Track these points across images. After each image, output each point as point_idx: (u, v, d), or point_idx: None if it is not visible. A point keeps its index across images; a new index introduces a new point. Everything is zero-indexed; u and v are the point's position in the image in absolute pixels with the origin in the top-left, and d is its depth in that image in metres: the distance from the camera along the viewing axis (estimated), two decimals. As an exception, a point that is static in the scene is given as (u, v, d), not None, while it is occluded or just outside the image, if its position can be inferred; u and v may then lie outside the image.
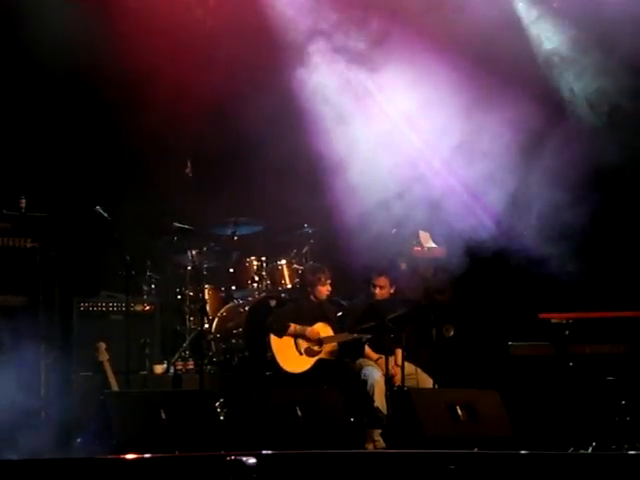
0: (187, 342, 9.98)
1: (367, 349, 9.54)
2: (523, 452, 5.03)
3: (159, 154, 10.31)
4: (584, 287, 9.85)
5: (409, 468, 4.95)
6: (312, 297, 9.52)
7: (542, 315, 9.25)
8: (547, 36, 10.08)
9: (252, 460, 4.45)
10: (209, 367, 9.88)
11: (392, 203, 10.06)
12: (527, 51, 10.10)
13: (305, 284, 9.59)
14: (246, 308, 10.11)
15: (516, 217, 10.26)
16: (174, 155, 10.26)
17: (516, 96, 9.79)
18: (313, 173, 10.45)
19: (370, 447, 8.92)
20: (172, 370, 9.76)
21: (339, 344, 9.43)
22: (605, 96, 9.84)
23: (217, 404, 9.04)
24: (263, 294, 10.22)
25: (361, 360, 9.48)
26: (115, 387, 8.64)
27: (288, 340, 9.33)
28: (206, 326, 10.03)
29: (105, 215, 9.19)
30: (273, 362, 9.27)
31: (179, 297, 10.25)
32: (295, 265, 10.39)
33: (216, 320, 10.21)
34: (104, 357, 8.78)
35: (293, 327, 9.33)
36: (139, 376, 9.41)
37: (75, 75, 9.94)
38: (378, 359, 9.37)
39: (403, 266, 10.50)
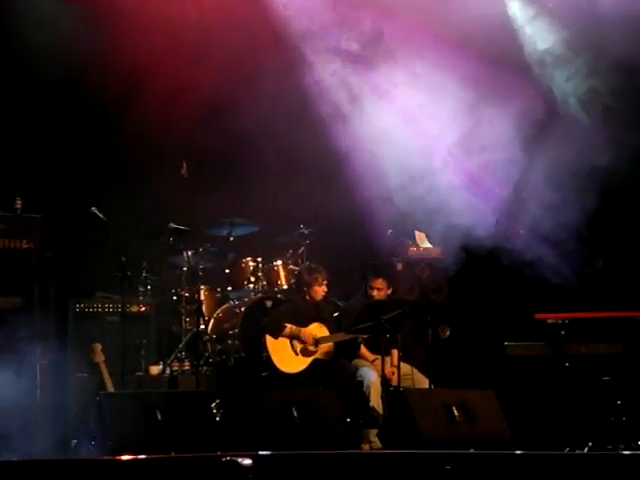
0: (183, 343, 9.97)
1: (363, 350, 9.54)
2: (519, 452, 5.03)
3: (154, 155, 10.31)
4: (579, 287, 9.86)
5: (405, 469, 4.95)
6: (308, 297, 9.52)
7: (538, 315, 9.26)
8: (542, 35, 10.09)
9: (248, 461, 4.45)
10: (205, 368, 9.88)
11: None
12: (521, 49, 10.12)
13: (301, 284, 9.59)
14: (242, 309, 10.11)
15: (514, 216, 10.27)
16: (169, 156, 10.25)
17: (515, 92, 9.82)
18: (310, 172, 10.46)
19: (366, 447, 8.91)
20: (168, 371, 9.75)
21: (335, 344, 9.43)
22: (597, 96, 9.85)
23: (213, 405, 9.03)
24: (259, 295, 10.22)
25: (357, 361, 9.47)
26: (111, 388, 8.63)
27: (284, 340, 9.32)
28: (202, 327, 10.02)
29: (100, 216, 9.19)
30: (269, 363, 9.27)
31: (175, 298, 10.25)
32: (291, 266, 10.39)
33: (212, 321, 10.20)
34: (100, 358, 8.77)
35: (288, 328, 9.32)
36: (135, 377, 9.40)
37: (70, 76, 9.94)
38: (374, 360, 9.36)
39: (399, 267, 10.51)
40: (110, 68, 10.00)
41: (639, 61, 9.66)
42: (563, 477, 5.16)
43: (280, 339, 9.32)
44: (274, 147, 10.43)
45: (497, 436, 8.39)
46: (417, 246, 10.75)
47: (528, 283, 10.27)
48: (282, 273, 10.36)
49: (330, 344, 9.42)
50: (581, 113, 9.99)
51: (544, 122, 10.05)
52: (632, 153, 9.87)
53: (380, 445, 8.85)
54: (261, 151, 10.49)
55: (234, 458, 4.39)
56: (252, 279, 10.35)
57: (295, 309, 9.50)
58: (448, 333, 10.58)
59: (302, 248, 10.48)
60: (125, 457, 5.00)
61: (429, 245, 10.80)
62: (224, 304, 10.33)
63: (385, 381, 8.92)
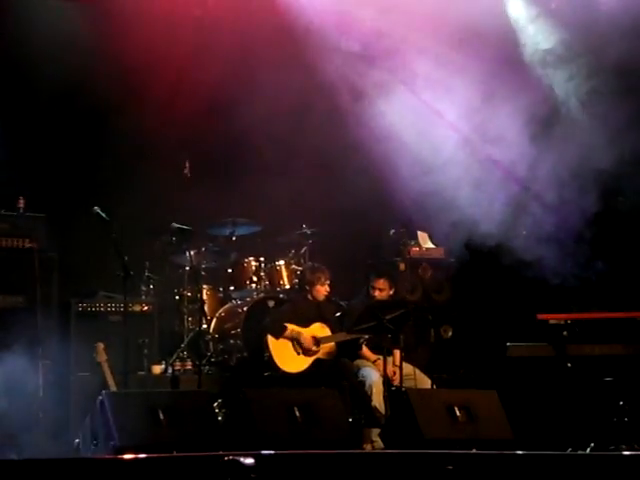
0: (185, 342, 9.97)
1: (365, 350, 9.54)
2: (521, 452, 5.03)
3: (157, 154, 10.31)
4: (582, 287, 9.86)
5: (407, 469, 4.95)
6: (310, 297, 9.52)
7: (540, 316, 9.25)
8: (544, 35, 10.09)
9: (250, 460, 4.44)
10: (207, 367, 9.87)
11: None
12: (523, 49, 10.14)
13: (304, 284, 9.59)
14: (244, 309, 10.10)
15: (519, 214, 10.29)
16: (172, 155, 10.25)
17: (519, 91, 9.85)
18: (313, 172, 10.46)
19: (368, 447, 8.91)
20: (170, 370, 9.75)
21: (337, 344, 9.43)
22: (598, 96, 9.85)
23: (215, 404, 9.04)
24: (261, 295, 10.21)
25: (359, 361, 9.47)
26: (113, 387, 8.63)
27: (286, 340, 9.32)
28: (204, 326, 10.02)
29: (103, 215, 9.18)
30: (271, 362, 9.27)
31: (177, 297, 10.25)
32: (293, 266, 10.38)
33: (214, 320, 10.20)
34: (102, 357, 8.77)
35: (290, 330, 9.31)
36: (137, 376, 9.40)
37: (72, 75, 9.93)
38: (376, 360, 9.36)
39: (402, 267, 10.51)
40: (112, 67, 10.00)
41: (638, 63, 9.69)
42: (565, 477, 5.15)
43: (282, 339, 9.31)
44: (277, 146, 10.43)
45: (499, 437, 8.38)
46: (420, 246, 10.75)
47: (531, 283, 10.27)
48: (284, 273, 10.36)
49: (332, 344, 9.42)
50: (582, 113, 9.98)
51: (547, 121, 10.06)
52: (632, 154, 9.88)
53: (382, 445, 8.84)
54: (264, 150, 10.49)
55: (236, 457, 4.38)
56: (254, 279, 10.35)
57: (297, 309, 9.50)
58: (450, 333, 10.59)
59: (304, 248, 10.47)
60: (127, 456, 5.00)
61: (432, 245, 10.80)
62: (226, 304, 10.33)
63: (387, 381, 8.92)
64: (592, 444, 8.75)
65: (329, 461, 4.81)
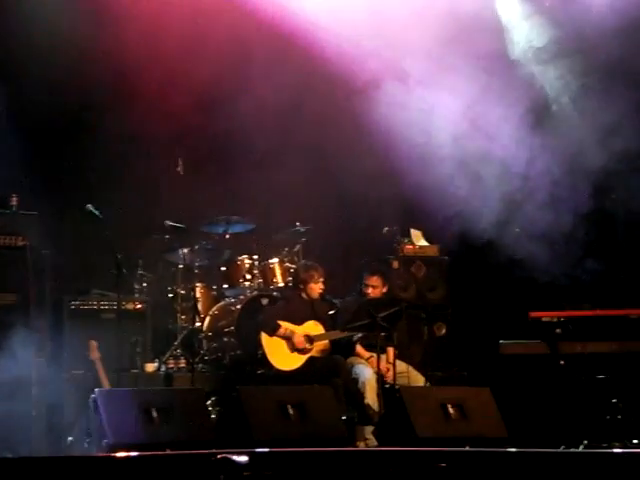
0: (178, 340, 9.97)
1: (359, 347, 9.54)
2: (513, 450, 5.04)
3: (150, 152, 10.29)
4: (575, 285, 9.87)
5: (400, 466, 4.95)
6: (304, 295, 9.52)
7: (533, 314, 9.26)
8: (537, 33, 10.09)
9: (244, 458, 4.44)
10: (201, 365, 9.87)
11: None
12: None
13: (298, 282, 9.59)
14: (238, 306, 10.10)
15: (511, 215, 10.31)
16: (165, 153, 10.24)
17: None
18: (307, 170, 10.46)
19: (361, 445, 8.92)
20: (164, 368, 9.75)
21: (330, 342, 9.43)
22: (588, 94, 9.86)
23: (209, 402, 9.04)
24: (255, 293, 10.21)
25: (352, 358, 9.48)
26: (106, 385, 8.63)
27: (279, 338, 9.32)
28: (198, 324, 10.02)
29: (96, 213, 9.18)
30: (264, 360, 9.27)
31: (170, 295, 10.24)
32: (287, 264, 10.38)
33: (208, 318, 10.20)
34: (95, 355, 8.77)
35: (283, 329, 9.31)
36: (130, 374, 9.40)
37: (64, 72, 9.90)
38: (369, 358, 9.37)
39: (395, 264, 10.52)
40: (104, 64, 9.97)
41: (629, 63, 9.71)
42: (558, 475, 5.16)
43: (275, 337, 9.31)
44: (270, 144, 10.42)
45: (493, 434, 8.39)
46: (413, 244, 10.76)
47: (523, 281, 10.28)
48: (278, 271, 10.36)
49: (326, 342, 9.42)
50: (573, 110, 9.99)
51: (538, 118, 10.08)
52: (622, 151, 9.90)
53: (375, 443, 8.85)
54: (257, 148, 10.48)
55: (230, 455, 4.38)
56: (248, 277, 10.34)
57: (291, 307, 9.50)
58: (444, 331, 10.60)
59: (298, 246, 10.47)
60: (120, 454, 5.00)
61: (425, 243, 10.81)
62: (220, 302, 10.32)
63: (380, 378, 8.92)
64: (585, 441, 8.76)
65: (322, 459, 4.81)
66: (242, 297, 10.23)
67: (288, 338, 9.30)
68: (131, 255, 9.79)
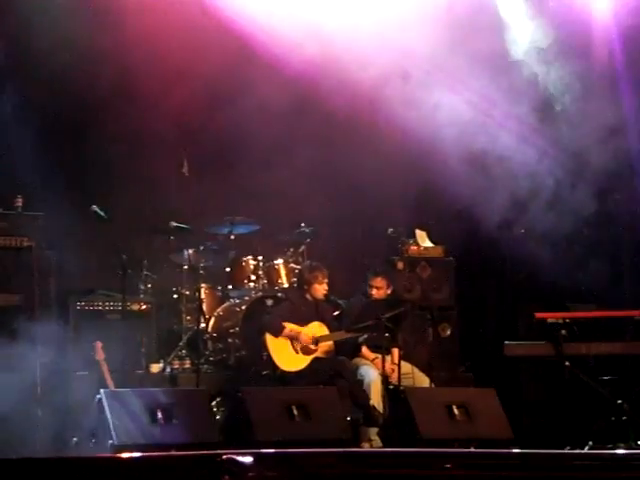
0: (183, 341, 9.97)
1: (364, 349, 9.54)
2: (518, 450, 5.04)
3: (155, 153, 10.29)
4: (580, 287, 9.86)
5: (405, 467, 4.94)
6: (308, 296, 9.52)
7: (538, 315, 9.25)
8: (541, 33, 10.09)
9: (248, 459, 4.44)
10: (205, 366, 9.87)
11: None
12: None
13: (302, 283, 9.58)
14: (243, 307, 10.10)
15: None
16: (170, 154, 10.24)
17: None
18: (311, 171, 10.46)
19: (366, 446, 8.91)
20: (168, 369, 9.75)
21: (335, 343, 9.43)
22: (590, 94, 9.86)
23: (214, 403, 9.04)
24: (260, 293, 10.21)
25: (357, 359, 9.47)
26: (111, 386, 8.63)
27: (284, 339, 9.32)
28: (202, 325, 10.02)
29: (101, 214, 9.19)
30: (269, 361, 9.27)
31: (175, 296, 10.24)
32: (292, 264, 10.38)
33: (212, 319, 10.20)
34: (100, 356, 8.77)
35: (288, 329, 9.31)
36: (135, 375, 9.39)
37: (68, 73, 9.91)
38: (374, 359, 9.36)
39: (400, 265, 10.51)
40: (107, 65, 9.97)
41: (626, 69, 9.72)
42: (563, 476, 5.15)
43: (280, 337, 9.31)
44: (275, 145, 10.42)
45: (498, 435, 8.39)
46: (418, 245, 10.76)
47: (529, 282, 10.28)
48: (283, 272, 10.36)
49: (330, 343, 9.41)
50: (576, 110, 9.98)
51: (541, 117, 10.09)
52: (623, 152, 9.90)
53: (380, 444, 8.85)
54: (262, 149, 10.48)
55: (234, 456, 4.38)
56: (253, 277, 10.34)
57: (295, 308, 9.50)
58: (449, 332, 10.59)
59: (303, 247, 10.47)
60: (125, 455, 5.00)
61: (430, 244, 10.80)
62: (225, 302, 10.32)
63: (385, 380, 8.92)
64: (590, 442, 8.76)
65: (327, 460, 4.81)
66: (247, 298, 10.24)
67: (294, 338, 9.30)
68: (136, 256, 9.79)
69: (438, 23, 9.68)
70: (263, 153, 10.45)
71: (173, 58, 9.99)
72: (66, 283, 9.50)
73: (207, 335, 10.08)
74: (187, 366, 9.82)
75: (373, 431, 9.01)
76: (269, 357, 9.27)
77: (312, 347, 9.33)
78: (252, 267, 10.38)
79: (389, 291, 9.64)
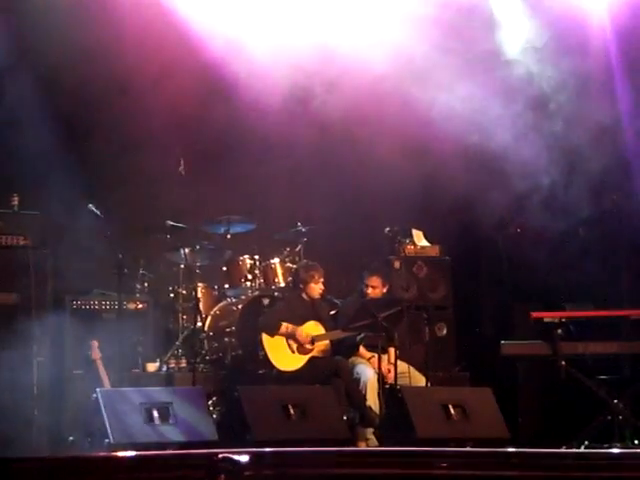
0: (180, 340, 9.97)
1: (361, 348, 9.54)
2: (513, 449, 5.05)
3: (152, 152, 10.29)
4: (576, 286, 9.87)
5: (401, 466, 4.95)
6: (304, 295, 9.52)
7: (535, 314, 9.26)
8: (537, 32, 10.10)
9: (245, 458, 4.44)
10: (202, 365, 9.87)
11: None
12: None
13: (298, 282, 9.58)
14: (239, 306, 10.10)
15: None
16: (167, 153, 10.23)
17: None
18: (308, 170, 10.46)
19: (362, 445, 8.92)
20: (165, 368, 9.75)
21: (331, 342, 9.43)
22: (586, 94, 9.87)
23: (210, 402, 9.04)
24: (256, 293, 10.21)
25: (353, 358, 9.48)
26: (108, 385, 8.63)
27: (280, 338, 9.32)
28: (199, 324, 10.01)
29: (97, 213, 9.18)
30: (266, 360, 9.26)
31: (172, 295, 10.24)
32: (288, 264, 10.38)
33: (209, 318, 10.19)
34: (97, 355, 8.77)
35: (285, 327, 9.31)
36: (132, 374, 9.39)
37: (65, 72, 9.90)
38: (371, 358, 9.36)
39: (396, 265, 10.51)
40: (104, 64, 9.96)
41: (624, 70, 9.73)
42: (559, 475, 5.16)
43: (277, 337, 9.31)
44: (271, 144, 10.42)
45: (494, 435, 8.39)
46: (415, 244, 10.76)
47: (525, 281, 10.28)
48: (279, 271, 10.36)
49: (326, 342, 9.42)
50: (569, 108, 9.99)
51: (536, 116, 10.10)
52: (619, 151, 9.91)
53: (377, 443, 8.85)
54: (258, 148, 10.48)
55: (231, 455, 4.38)
56: (249, 277, 10.34)
57: (291, 307, 9.50)
58: (445, 331, 10.60)
59: (299, 246, 10.47)
60: (121, 454, 5.00)
61: (426, 243, 10.81)
62: (221, 302, 10.32)
63: (382, 379, 8.92)
64: (586, 442, 8.77)
65: (323, 459, 4.81)
66: (243, 297, 10.24)
67: (291, 335, 9.29)
68: (132, 255, 9.78)
69: (433, 22, 9.70)
70: (260, 152, 10.45)
71: (168, 58, 9.99)
72: (62, 282, 9.50)
73: (203, 334, 10.08)
74: (183, 365, 9.81)
75: (369, 430, 9.01)
76: (265, 356, 9.26)
77: (308, 346, 9.33)
78: (248, 266, 10.38)
79: (385, 290, 9.64)
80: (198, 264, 10.20)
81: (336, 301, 9.94)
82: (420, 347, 9.86)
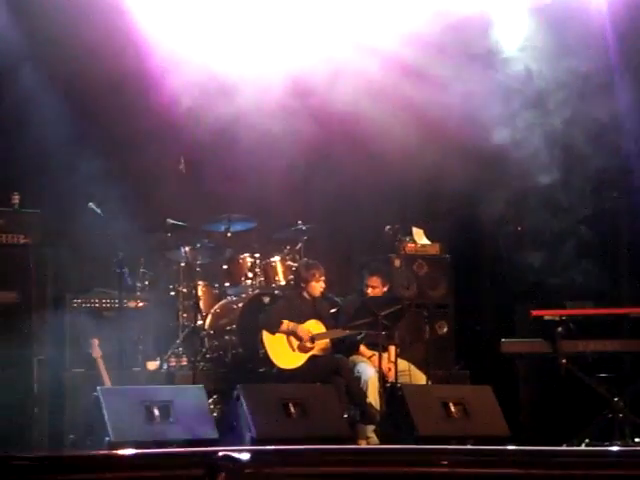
0: (180, 339, 9.96)
1: (362, 347, 9.54)
2: (514, 447, 5.05)
3: (152, 150, 10.28)
4: (576, 284, 9.87)
5: (402, 464, 4.94)
6: (305, 294, 9.52)
7: (535, 312, 9.26)
8: (535, 30, 10.09)
9: (245, 456, 4.43)
10: (202, 364, 9.87)
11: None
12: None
13: (299, 280, 9.58)
14: (239, 305, 10.09)
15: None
16: (167, 151, 10.22)
17: None
18: (308, 168, 10.45)
19: (363, 443, 8.92)
20: (165, 366, 9.75)
21: (332, 340, 9.43)
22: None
23: (210, 400, 9.04)
24: (257, 291, 10.21)
25: (354, 356, 9.48)
26: (108, 383, 8.63)
27: (281, 337, 9.32)
28: (199, 322, 10.01)
29: (98, 211, 9.19)
30: (266, 359, 9.26)
31: (172, 293, 10.23)
32: (289, 262, 10.37)
33: (209, 317, 10.19)
34: (97, 353, 8.77)
35: (285, 324, 9.31)
36: (132, 372, 9.39)
37: (66, 71, 9.90)
38: (371, 356, 9.37)
39: (397, 263, 10.51)
40: (106, 64, 9.95)
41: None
42: (560, 473, 5.16)
43: (277, 335, 9.31)
44: (272, 142, 10.41)
45: (495, 433, 8.39)
46: (415, 242, 10.76)
47: (525, 279, 10.28)
48: (280, 269, 10.35)
49: (327, 340, 9.42)
50: (569, 107, 9.99)
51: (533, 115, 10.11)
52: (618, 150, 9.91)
53: (377, 441, 8.85)
54: (259, 147, 10.47)
55: (231, 453, 4.37)
56: (250, 275, 10.33)
57: (292, 305, 9.50)
58: (445, 329, 10.60)
59: (300, 244, 10.46)
60: (121, 452, 4.99)
61: (427, 241, 10.81)
62: (221, 300, 10.32)
63: (382, 377, 8.92)
64: (587, 440, 8.77)
65: (324, 457, 4.80)
66: (244, 295, 10.23)
67: (292, 332, 9.29)
68: (133, 253, 9.78)
69: (430, 20, 9.71)
70: (260, 150, 10.44)
71: (167, 54, 9.98)
72: (63, 280, 9.50)
73: (204, 332, 10.07)
74: (184, 363, 9.81)
75: (370, 428, 9.01)
76: (266, 354, 9.26)
77: (309, 345, 9.33)
78: (249, 264, 10.38)
79: (385, 289, 9.64)
80: (198, 262, 10.20)
81: (336, 299, 9.94)
82: (420, 345, 9.87)
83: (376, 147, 10.32)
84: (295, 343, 9.34)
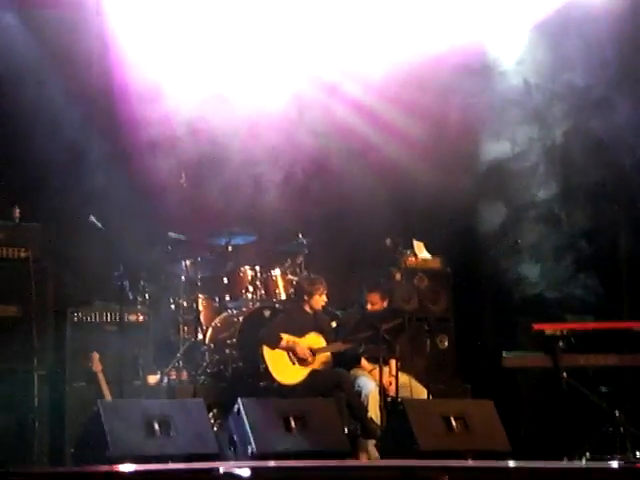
0: (181, 352, 9.95)
1: (363, 360, 9.53)
2: (516, 463, 5.05)
3: (152, 164, 10.29)
4: (577, 298, 9.87)
5: (402, 479, 4.94)
6: (307, 307, 9.51)
7: (536, 326, 9.25)
8: (532, 47, 10.12)
9: (246, 472, 4.43)
10: (202, 377, 9.86)
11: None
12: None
13: (302, 294, 9.57)
14: (240, 318, 10.09)
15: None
16: (168, 165, 10.23)
17: None
18: (308, 181, 10.46)
19: (364, 458, 8.90)
20: (166, 380, 9.73)
21: (333, 354, 9.42)
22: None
23: (211, 415, 9.02)
24: (257, 304, 10.20)
25: (355, 370, 9.47)
26: (108, 397, 8.62)
27: (281, 351, 9.31)
28: (200, 336, 10.01)
29: (99, 225, 9.18)
30: (267, 373, 9.25)
31: (173, 307, 10.23)
32: (289, 275, 10.37)
33: (210, 330, 10.18)
34: (98, 367, 8.76)
35: (285, 341, 9.30)
36: (133, 386, 9.37)
37: (68, 84, 9.91)
38: (372, 370, 9.36)
39: (397, 276, 10.51)
40: (105, 77, 9.98)
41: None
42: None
43: (278, 349, 9.30)
44: (272, 155, 10.42)
45: (496, 447, 8.37)
46: (416, 256, 10.76)
47: (526, 293, 10.28)
48: (280, 283, 10.35)
49: (328, 354, 9.41)
50: (565, 123, 10.00)
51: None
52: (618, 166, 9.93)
53: (378, 456, 8.83)
54: (259, 159, 10.48)
55: (232, 469, 4.38)
56: (250, 288, 10.33)
57: (292, 319, 9.49)
58: (446, 343, 10.59)
59: (300, 258, 10.46)
60: (122, 467, 4.99)
61: (428, 255, 10.81)
62: (222, 313, 10.31)
63: (383, 391, 8.91)
64: (587, 454, 8.75)
65: (325, 472, 4.80)
66: (244, 309, 10.22)
67: (291, 349, 9.29)
68: (134, 267, 9.78)
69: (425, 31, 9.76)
70: (260, 164, 10.45)
71: (168, 68, 10.01)
72: (63, 294, 9.49)
73: (204, 346, 10.06)
74: (184, 377, 9.80)
75: (370, 443, 9.00)
76: (266, 369, 9.25)
77: (309, 359, 9.32)
78: (249, 278, 10.37)
79: (385, 304, 9.64)
80: (199, 276, 10.20)
81: (337, 313, 9.93)
82: (421, 359, 9.85)
83: (377, 161, 10.33)
84: (295, 357, 9.33)
